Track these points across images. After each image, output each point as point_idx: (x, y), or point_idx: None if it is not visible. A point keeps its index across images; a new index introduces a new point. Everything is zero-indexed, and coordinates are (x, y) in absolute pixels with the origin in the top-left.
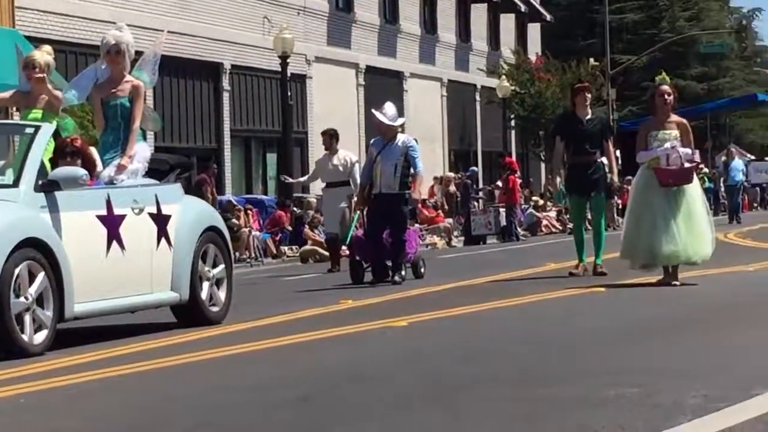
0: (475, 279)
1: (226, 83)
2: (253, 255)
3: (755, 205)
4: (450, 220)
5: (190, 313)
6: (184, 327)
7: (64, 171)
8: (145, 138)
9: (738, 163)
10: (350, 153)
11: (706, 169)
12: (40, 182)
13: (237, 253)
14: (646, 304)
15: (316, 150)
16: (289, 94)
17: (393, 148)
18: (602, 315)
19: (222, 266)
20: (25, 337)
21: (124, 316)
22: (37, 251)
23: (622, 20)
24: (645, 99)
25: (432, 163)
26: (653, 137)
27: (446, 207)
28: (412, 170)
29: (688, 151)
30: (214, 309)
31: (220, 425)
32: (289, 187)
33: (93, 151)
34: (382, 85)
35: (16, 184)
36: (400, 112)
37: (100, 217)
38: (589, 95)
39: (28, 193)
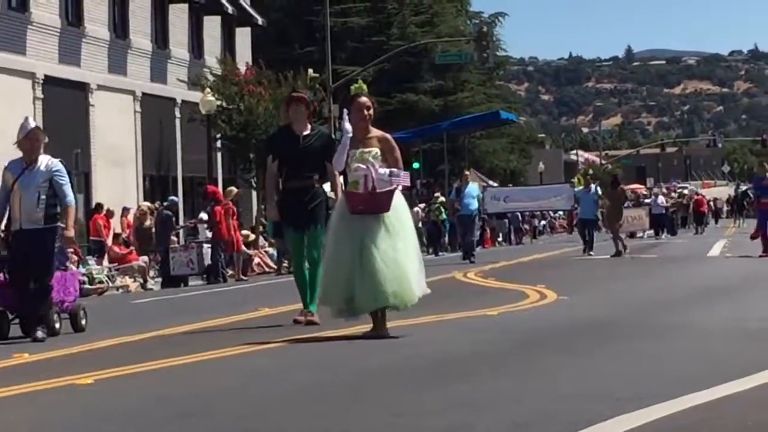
0: (176, 327)
1: None
2: None
3: (499, 240)
4: (145, 258)
5: None
6: None
7: None
8: None
9: (472, 189)
10: None
11: (442, 198)
12: None
13: None
14: (362, 357)
15: None
16: None
17: (34, 173)
18: (319, 368)
19: None
20: None
21: None
22: None
23: (345, 25)
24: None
25: (123, 191)
26: (351, 157)
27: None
28: (60, 201)
29: (386, 171)
30: None
31: None
32: None
33: None
34: (63, 99)
35: None
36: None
37: None
38: (305, 106)
39: None
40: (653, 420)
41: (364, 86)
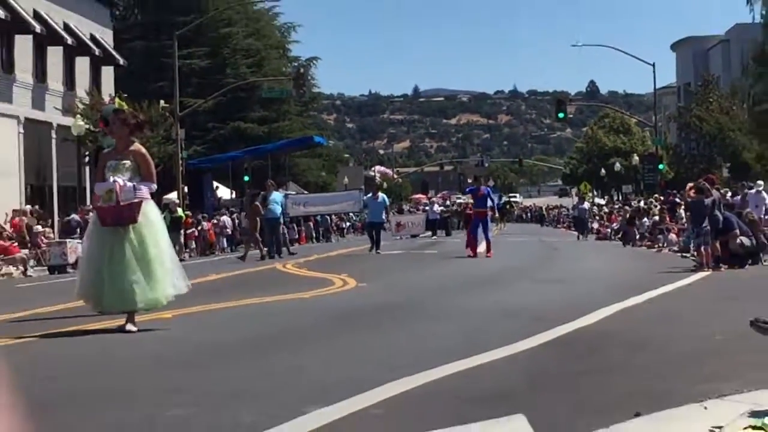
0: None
1: None
2: None
3: (314, 237)
4: (26, 250)
5: None
6: None
7: None
8: None
9: (276, 196)
10: None
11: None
12: None
13: None
14: (199, 333)
15: None
16: None
17: None
18: (157, 342)
19: None
20: None
21: None
22: None
23: (190, 66)
24: (210, 138)
25: (8, 196)
26: (110, 168)
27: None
28: None
29: (130, 185)
30: None
31: None
32: None
33: None
34: None
35: None
36: None
37: None
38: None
39: None
40: (422, 384)
41: (123, 102)
